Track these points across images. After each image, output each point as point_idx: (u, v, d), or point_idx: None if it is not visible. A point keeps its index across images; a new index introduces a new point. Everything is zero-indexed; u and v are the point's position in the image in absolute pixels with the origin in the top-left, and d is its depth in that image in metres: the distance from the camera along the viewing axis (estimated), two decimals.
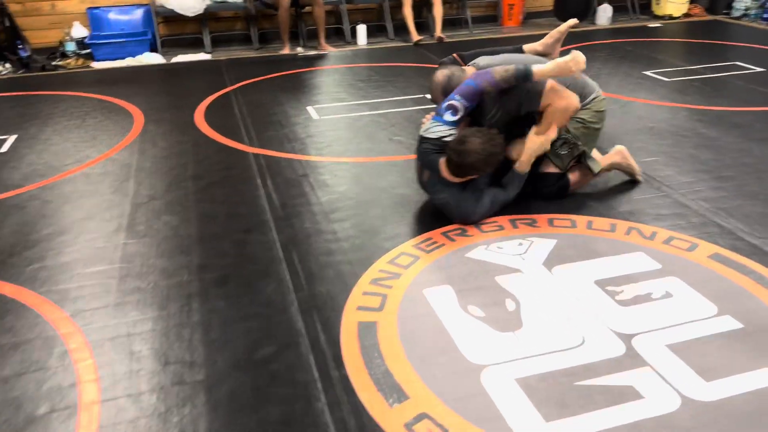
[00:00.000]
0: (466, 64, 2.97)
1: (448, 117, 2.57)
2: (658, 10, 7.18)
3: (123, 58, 5.83)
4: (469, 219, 2.62)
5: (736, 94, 4.37)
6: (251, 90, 4.81)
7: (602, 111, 2.81)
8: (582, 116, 2.75)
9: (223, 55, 6.07)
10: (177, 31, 6.40)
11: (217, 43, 6.40)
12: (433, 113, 2.69)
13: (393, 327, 2.03)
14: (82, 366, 1.89)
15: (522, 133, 2.66)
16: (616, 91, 4.48)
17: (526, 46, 3.03)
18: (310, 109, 4.31)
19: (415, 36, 6.22)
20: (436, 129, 2.58)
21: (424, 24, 6.68)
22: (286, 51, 6.01)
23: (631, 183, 3.00)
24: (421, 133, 2.64)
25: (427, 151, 2.59)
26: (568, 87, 2.69)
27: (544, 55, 3.03)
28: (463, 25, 6.96)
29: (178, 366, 1.89)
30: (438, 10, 6.31)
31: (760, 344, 1.90)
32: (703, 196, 2.85)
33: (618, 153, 2.96)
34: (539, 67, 2.53)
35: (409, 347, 1.94)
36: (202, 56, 5.98)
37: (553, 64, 2.53)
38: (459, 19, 7.03)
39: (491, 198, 2.64)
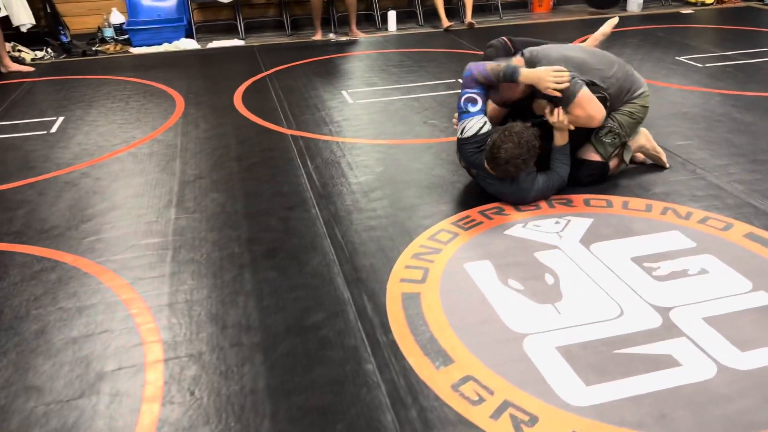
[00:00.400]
0: (514, 50, 3.00)
1: (473, 108, 2.65)
2: None
3: (159, 43, 5.97)
4: (526, 202, 2.70)
5: None
6: (286, 75, 4.91)
7: (647, 107, 2.85)
8: (629, 109, 2.79)
9: (257, 41, 6.18)
10: (211, 17, 6.52)
11: (250, 29, 6.51)
12: (456, 116, 2.77)
13: (436, 298, 2.12)
14: (144, 329, 2.02)
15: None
16: (648, 77, 4.47)
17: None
18: (344, 93, 4.40)
19: (446, 22, 6.26)
20: (469, 126, 2.65)
21: (454, 10, 6.72)
22: (318, 37, 6.10)
23: (676, 167, 3.03)
24: (459, 136, 2.71)
25: (470, 153, 2.66)
26: (619, 80, 2.74)
27: None
28: (493, 11, 6.98)
29: (235, 329, 2.00)
30: None
31: None
32: (737, 179, 2.88)
33: (643, 135, 3.00)
34: (526, 71, 2.60)
35: (452, 317, 2.03)
36: (236, 42, 6.10)
37: (536, 71, 2.59)
38: (489, 5, 7.04)
39: (546, 181, 2.69)
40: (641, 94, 2.83)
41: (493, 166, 2.52)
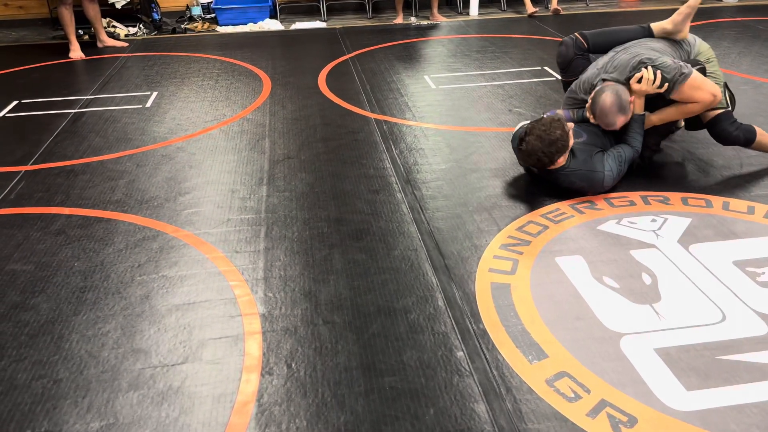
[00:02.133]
0: (588, 45, 2.92)
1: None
2: None
3: (245, 23, 6.11)
4: (603, 188, 2.63)
5: None
6: (368, 58, 4.93)
7: (710, 57, 2.86)
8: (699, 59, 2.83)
9: (338, 23, 6.22)
10: None
11: (332, 11, 6.56)
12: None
13: (526, 290, 2.10)
14: (242, 301, 2.09)
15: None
16: (748, 72, 4.25)
17: (654, 25, 2.89)
18: (426, 78, 4.38)
19: (530, 8, 6.11)
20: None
21: None
22: (399, 20, 6.09)
23: None
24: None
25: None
26: (677, 54, 2.77)
27: (674, 33, 2.88)
28: None
29: (328, 307, 2.05)
30: None
31: None
32: None
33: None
34: (648, 115, 2.72)
35: (544, 310, 2.00)
36: (318, 24, 6.17)
37: (651, 116, 2.72)
38: None
39: (615, 158, 2.62)
40: (698, 53, 2.87)
41: (521, 154, 2.62)
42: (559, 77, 3.27)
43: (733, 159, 2.97)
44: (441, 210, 2.64)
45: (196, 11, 6.23)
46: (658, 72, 2.57)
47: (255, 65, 4.76)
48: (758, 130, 2.80)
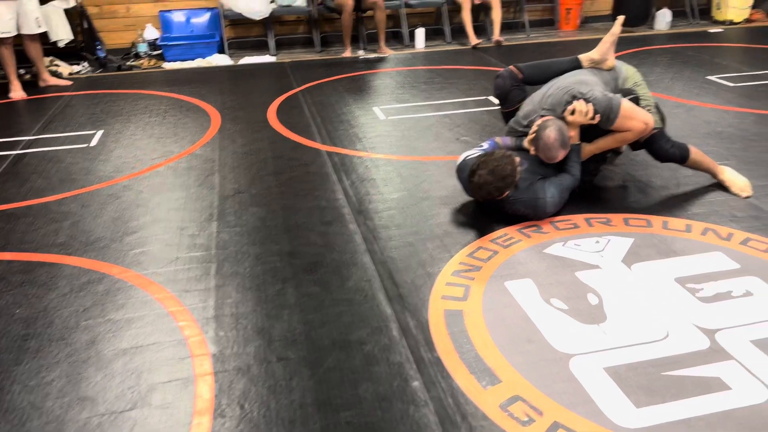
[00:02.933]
0: (523, 76, 3.04)
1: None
2: (719, 16, 7.09)
3: (192, 59, 6.09)
4: (546, 214, 2.71)
5: None
6: (318, 91, 4.98)
7: (638, 81, 3.00)
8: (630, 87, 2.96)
9: (287, 57, 6.28)
10: (243, 34, 6.64)
11: (281, 45, 6.61)
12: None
13: (479, 316, 2.13)
14: (192, 341, 2.05)
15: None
16: (680, 95, 4.48)
17: (582, 56, 3.03)
18: (376, 109, 4.45)
19: (474, 39, 6.31)
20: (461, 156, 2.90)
21: (481, 27, 6.77)
22: (347, 54, 6.18)
23: (705, 185, 3.02)
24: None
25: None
26: (606, 82, 2.90)
27: (600, 62, 3.02)
28: (520, 29, 7.02)
29: (282, 343, 2.03)
30: (496, 14, 6.39)
31: None
32: None
33: (729, 169, 3.04)
34: (586, 146, 2.84)
35: (496, 335, 2.03)
36: (267, 58, 6.20)
37: (588, 146, 2.84)
38: (516, 22, 7.09)
39: (557, 186, 2.71)
40: (626, 77, 3.01)
41: (471, 186, 2.67)
42: None
43: (670, 179, 3.11)
44: (394, 239, 2.66)
45: (142, 48, 6.18)
46: (590, 104, 2.68)
47: (203, 100, 4.74)
48: (692, 148, 2.95)
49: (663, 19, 6.91)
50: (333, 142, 3.83)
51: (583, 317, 2.10)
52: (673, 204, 2.88)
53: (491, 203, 2.73)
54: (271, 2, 6.33)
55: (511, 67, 3.09)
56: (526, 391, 1.79)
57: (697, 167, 3.00)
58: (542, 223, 2.72)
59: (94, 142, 3.93)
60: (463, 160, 2.83)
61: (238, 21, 6.43)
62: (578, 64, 3.02)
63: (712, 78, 4.90)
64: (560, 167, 2.78)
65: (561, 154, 2.70)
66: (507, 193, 2.62)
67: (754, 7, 7.06)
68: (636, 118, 2.72)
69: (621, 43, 3.94)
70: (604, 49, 2.98)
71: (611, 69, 3.00)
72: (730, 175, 2.97)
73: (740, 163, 3.26)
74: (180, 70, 5.88)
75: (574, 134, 2.76)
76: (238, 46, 6.56)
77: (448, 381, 1.85)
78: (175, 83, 5.31)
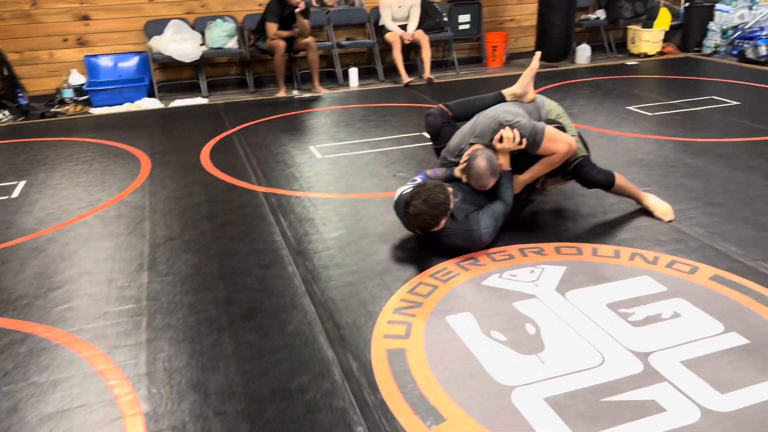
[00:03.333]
0: (453, 113, 3.14)
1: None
2: (634, 49, 7.55)
3: (121, 103, 5.95)
4: (482, 244, 2.76)
5: (716, 126, 4.62)
6: (252, 132, 4.95)
7: (560, 113, 3.13)
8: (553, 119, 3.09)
9: (220, 99, 6.22)
10: (173, 76, 6.55)
11: (213, 87, 6.56)
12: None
13: (421, 353, 2.12)
14: (123, 401, 1.94)
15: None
16: (603, 126, 4.70)
17: (505, 91, 3.18)
18: (312, 148, 4.45)
19: (406, 78, 6.45)
20: (397, 192, 2.93)
21: (412, 66, 6.93)
22: (281, 94, 6.19)
23: (630, 212, 3.15)
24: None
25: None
26: (529, 112, 3.02)
27: (522, 96, 3.17)
28: (450, 67, 7.23)
29: (219, 397, 1.95)
30: (426, 53, 6.57)
31: (765, 357, 2.03)
32: (697, 222, 3.01)
33: (653, 196, 3.17)
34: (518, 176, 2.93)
35: (439, 372, 2.03)
36: (199, 101, 6.13)
37: (521, 177, 2.94)
38: (446, 60, 7.31)
39: (490, 215, 2.77)
40: (549, 110, 3.15)
41: (406, 217, 2.70)
42: None
43: (597, 207, 3.23)
44: (334, 279, 2.64)
45: (68, 94, 5.99)
46: (516, 130, 2.79)
47: (132, 145, 4.62)
48: (617, 175, 3.08)
49: (583, 53, 7.29)
50: (269, 182, 3.79)
51: (522, 348, 2.13)
52: (602, 231, 2.98)
53: (429, 236, 2.75)
54: (202, 45, 6.30)
55: (440, 105, 3.19)
56: (470, 427, 1.78)
57: (622, 193, 3.14)
58: (479, 255, 2.76)
59: (15, 194, 3.74)
60: (400, 195, 2.86)
61: (168, 64, 6.35)
62: (502, 98, 3.16)
63: (632, 108, 5.18)
64: (492, 194, 2.85)
65: (491, 182, 2.78)
66: (443, 222, 2.65)
67: (665, 40, 7.55)
68: (560, 141, 2.84)
69: (546, 78, 4.14)
70: (525, 82, 3.14)
71: (532, 101, 3.15)
72: (653, 201, 3.12)
73: (661, 189, 3.44)
74: (108, 115, 5.73)
75: (503, 161, 2.85)
76: (168, 89, 6.46)
77: (392, 423, 1.82)
78: (102, 129, 5.16)
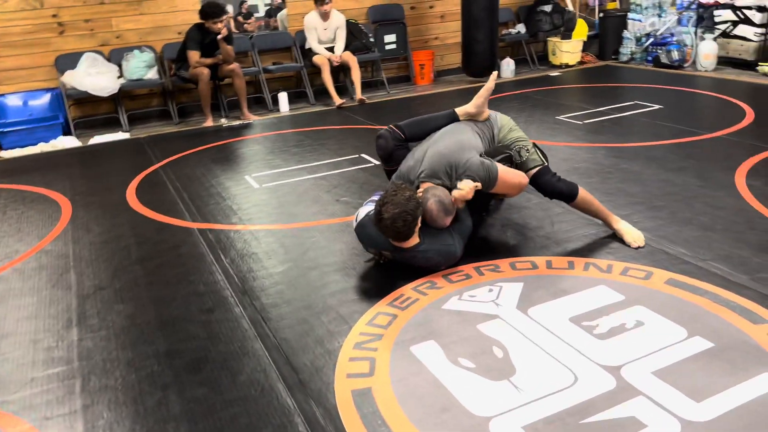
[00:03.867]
0: (405, 135, 3.04)
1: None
2: (555, 60, 7.78)
3: (34, 144, 5.54)
4: (456, 258, 2.73)
5: (644, 130, 4.77)
6: (181, 164, 4.70)
7: (513, 129, 3.07)
8: (510, 138, 3.03)
9: (143, 132, 5.92)
10: (90, 112, 6.19)
11: (135, 120, 6.24)
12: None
13: (389, 390, 1.99)
14: None
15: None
16: (536, 137, 4.72)
17: (459, 110, 3.10)
18: (248, 178, 4.26)
19: (337, 100, 6.36)
20: (358, 213, 2.81)
21: (343, 87, 6.86)
22: (209, 123, 5.95)
23: (578, 220, 3.15)
24: (354, 227, 2.80)
25: (375, 234, 2.67)
26: (482, 133, 2.98)
27: (476, 115, 3.09)
28: (380, 87, 7.21)
29: None
30: (355, 74, 6.51)
31: (732, 360, 2.02)
32: (642, 227, 3.04)
33: (624, 222, 2.99)
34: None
35: (410, 409, 1.90)
36: (120, 135, 5.80)
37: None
38: (376, 81, 7.28)
39: (458, 231, 2.75)
40: (502, 126, 3.07)
41: (381, 228, 2.55)
42: (378, 163, 3.35)
43: (544, 219, 3.22)
44: (286, 318, 2.47)
45: None
46: (469, 181, 2.71)
47: (50, 189, 4.27)
48: (582, 189, 2.93)
49: (507, 67, 7.44)
50: (204, 218, 3.58)
51: (492, 373, 2.04)
52: (553, 242, 2.96)
53: (400, 256, 2.66)
54: (119, 77, 5.98)
55: (391, 126, 3.08)
56: None
57: (588, 210, 2.96)
58: (435, 277, 2.67)
59: None
60: (364, 217, 2.71)
61: (84, 99, 5.99)
62: (456, 117, 3.07)
63: (561, 118, 5.28)
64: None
65: (448, 220, 2.68)
66: (413, 239, 2.58)
67: (584, 50, 7.83)
68: (512, 181, 2.79)
69: (474, 93, 4.13)
70: (479, 102, 3.06)
71: (487, 120, 3.08)
72: (624, 226, 2.92)
73: (602, 195, 3.47)
74: (20, 157, 5.31)
75: (460, 203, 2.76)
76: (85, 126, 6.09)
77: None
78: (14, 173, 4.76)
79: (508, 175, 2.79)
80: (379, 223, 2.55)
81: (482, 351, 2.16)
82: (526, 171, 2.91)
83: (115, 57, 6.07)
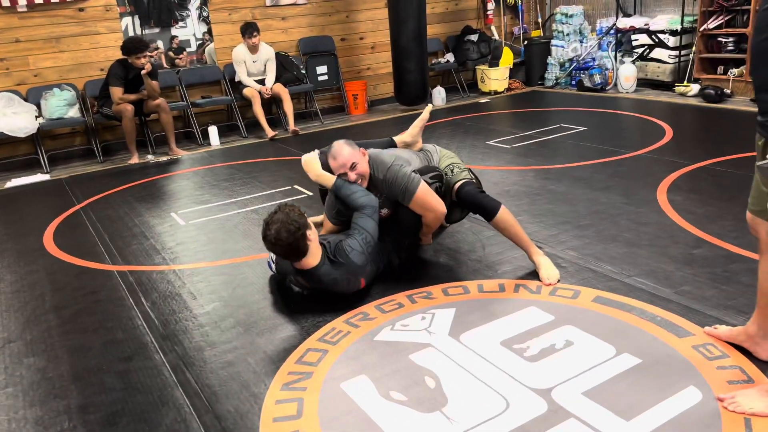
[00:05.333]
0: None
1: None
2: (484, 87, 7.98)
3: None
4: (363, 270, 2.68)
5: (570, 151, 4.91)
6: (103, 205, 4.49)
7: (451, 157, 3.10)
8: (447, 163, 3.04)
9: (64, 173, 5.66)
10: (7, 154, 5.88)
11: (56, 161, 5.97)
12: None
13: None
14: None
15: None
16: (468, 162, 4.80)
17: (396, 138, 3.22)
18: (174, 215, 4.11)
19: (270, 132, 6.29)
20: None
21: (275, 120, 6.79)
22: (134, 160, 5.76)
23: (509, 243, 3.15)
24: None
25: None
26: (420, 158, 3.00)
27: (412, 144, 3.24)
28: (314, 117, 7.18)
29: None
30: (288, 106, 6.47)
31: (659, 375, 2.03)
32: (570, 246, 3.08)
33: (544, 257, 2.86)
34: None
35: None
36: (40, 177, 5.52)
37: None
38: (309, 111, 7.26)
39: (359, 233, 2.68)
40: (441, 156, 3.13)
41: (270, 246, 2.50)
42: (311, 193, 3.32)
43: (475, 243, 3.22)
44: (209, 362, 2.34)
45: None
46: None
47: None
48: (505, 209, 2.82)
49: (438, 95, 7.57)
50: (126, 259, 3.40)
51: (424, 405, 1.98)
52: (484, 266, 2.96)
53: (309, 281, 2.62)
54: (38, 117, 5.73)
55: (323, 149, 3.07)
56: None
57: (508, 232, 2.85)
58: (367, 308, 2.61)
59: None
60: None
61: (1, 140, 5.69)
62: (393, 144, 3.19)
63: (491, 143, 5.38)
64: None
65: (354, 154, 2.77)
66: (311, 261, 2.53)
67: (511, 77, 8.07)
68: (429, 201, 2.75)
69: (408, 121, 4.15)
70: (415, 132, 3.23)
71: (421, 150, 3.17)
72: (543, 260, 2.82)
73: (531, 217, 3.52)
74: None
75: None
76: (2, 169, 5.78)
77: None
78: None
79: (428, 195, 2.76)
80: (265, 240, 2.49)
81: (414, 382, 2.10)
82: (453, 185, 2.92)
83: (34, 96, 5.82)
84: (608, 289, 2.61)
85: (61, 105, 5.78)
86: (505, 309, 2.54)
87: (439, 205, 2.79)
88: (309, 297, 2.76)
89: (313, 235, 2.53)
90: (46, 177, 5.54)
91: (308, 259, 2.54)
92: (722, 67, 6.55)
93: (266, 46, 6.49)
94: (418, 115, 3.49)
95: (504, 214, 2.83)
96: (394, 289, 2.75)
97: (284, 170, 5.04)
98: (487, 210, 2.84)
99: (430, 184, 2.81)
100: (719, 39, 6.52)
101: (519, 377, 2.07)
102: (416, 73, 7.01)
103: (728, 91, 6.23)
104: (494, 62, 7.87)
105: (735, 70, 6.34)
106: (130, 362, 2.38)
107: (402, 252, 2.99)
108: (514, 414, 1.90)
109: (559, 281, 2.72)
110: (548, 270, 2.76)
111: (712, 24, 6.51)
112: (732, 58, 6.44)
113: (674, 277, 2.68)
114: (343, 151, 2.77)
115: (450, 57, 7.98)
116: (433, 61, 7.85)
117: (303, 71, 6.94)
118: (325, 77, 7.27)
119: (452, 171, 2.99)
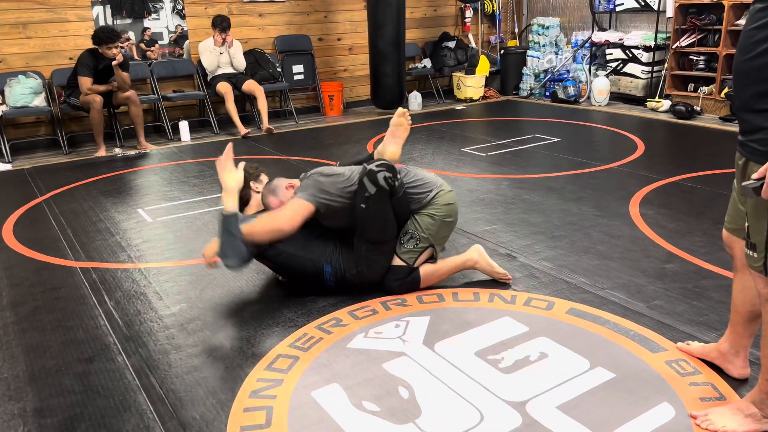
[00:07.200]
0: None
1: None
2: (460, 95, 8.00)
3: None
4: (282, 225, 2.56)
5: (543, 162, 4.93)
6: (67, 198, 4.34)
7: (451, 204, 2.75)
8: (430, 211, 2.70)
9: (27, 163, 5.45)
10: None
11: (18, 151, 5.76)
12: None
13: None
14: None
15: None
16: (443, 168, 4.80)
17: (376, 152, 2.95)
18: (140, 211, 3.99)
19: (243, 129, 6.18)
20: None
21: (249, 117, 6.68)
22: (101, 153, 5.59)
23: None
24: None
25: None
26: (411, 184, 2.71)
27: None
28: (289, 117, 7.09)
29: None
30: (262, 104, 6.37)
31: (633, 390, 2.03)
32: (544, 256, 3.08)
33: (474, 251, 2.84)
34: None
35: None
36: (1, 167, 5.31)
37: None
38: (284, 110, 7.16)
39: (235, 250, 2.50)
40: (438, 193, 2.73)
41: None
42: None
43: (450, 250, 3.19)
44: (175, 366, 2.25)
45: None
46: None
47: None
48: (420, 271, 2.71)
49: (415, 100, 7.56)
50: (89, 256, 3.28)
51: (397, 416, 1.93)
52: (459, 274, 2.93)
53: (276, 258, 2.67)
54: (1, 104, 5.51)
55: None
56: None
57: (440, 275, 2.79)
58: (341, 314, 2.55)
59: None
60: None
61: None
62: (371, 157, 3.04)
63: (467, 150, 5.38)
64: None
65: (273, 200, 2.80)
66: (255, 187, 2.88)
67: (486, 85, 8.11)
68: (283, 215, 2.57)
69: (384, 125, 4.10)
70: (396, 150, 2.95)
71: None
72: (479, 256, 2.83)
73: (506, 226, 3.51)
74: None
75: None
76: None
77: None
78: None
79: (294, 205, 2.58)
80: None
81: (387, 392, 2.05)
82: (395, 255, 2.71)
83: None
84: (582, 301, 2.61)
85: (26, 93, 5.58)
86: (480, 319, 2.51)
87: (285, 225, 2.55)
88: (282, 302, 2.69)
89: (259, 187, 2.88)
90: (8, 167, 5.33)
91: (248, 209, 2.85)
92: (693, 85, 6.70)
93: (236, 42, 6.40)
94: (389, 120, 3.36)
95: (426, 276, 2.74)
96: (368, 296, 2.70)
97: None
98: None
99: (376, 172, 2.56)
100: (691, 57, 6.66)
101: (493, 389, 2.05)
102: (393, 77, 6.99)
103: (698, 109, 6.37)
104: (470, 70, 7.90)
105: (705, 88, 6.49)
106: (90, 364, 2.28)
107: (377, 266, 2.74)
108: (488, 427, 1.87)
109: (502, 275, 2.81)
110: (494, 265, 2.84)
111: (684, 42, 6.65)
112: (702, 76, 6.59)
113: (646, 291, 2.69)
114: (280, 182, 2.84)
115: (427, 62, 7.98)
116: (410, 66, 7.84)
117: (279, 69, 6.85)
118: (302, 77, 7.19)
119: (408, 238, 2.70)
